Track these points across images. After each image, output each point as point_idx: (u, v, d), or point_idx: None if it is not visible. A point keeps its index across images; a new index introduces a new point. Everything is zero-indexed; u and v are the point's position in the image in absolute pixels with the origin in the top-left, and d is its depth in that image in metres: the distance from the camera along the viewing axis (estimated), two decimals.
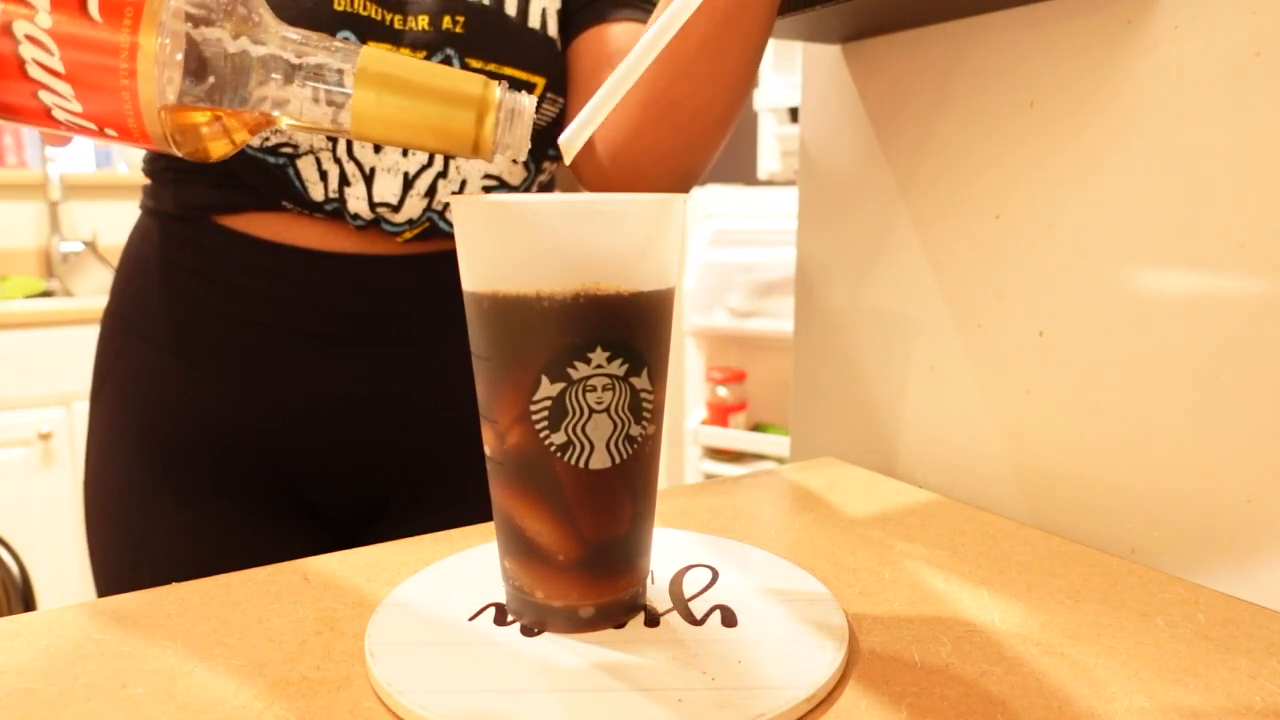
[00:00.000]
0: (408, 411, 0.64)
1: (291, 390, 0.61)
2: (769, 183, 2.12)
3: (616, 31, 0.62)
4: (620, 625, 0.37)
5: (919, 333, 0.60)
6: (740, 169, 2.27)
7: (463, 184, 0.60)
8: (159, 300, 0.62)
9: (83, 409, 1.84)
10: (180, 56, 0.31)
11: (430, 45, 0.57)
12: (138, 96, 0.31)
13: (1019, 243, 0.53)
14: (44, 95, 0.31)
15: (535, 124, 0.62)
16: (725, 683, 0.32)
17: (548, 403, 0.33)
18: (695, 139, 0.55)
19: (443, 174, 0.59)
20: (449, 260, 0.63)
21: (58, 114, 0.31)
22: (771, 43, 1.92)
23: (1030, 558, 0.45)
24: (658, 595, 0.39)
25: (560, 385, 0.33)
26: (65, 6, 0.30)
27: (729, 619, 0.37)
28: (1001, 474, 0.54)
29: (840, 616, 0.37)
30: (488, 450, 0.36)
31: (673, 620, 0.37)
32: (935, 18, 0.56)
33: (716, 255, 1.99)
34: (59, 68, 0.30)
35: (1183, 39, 0.44)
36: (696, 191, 2.06)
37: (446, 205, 0.61)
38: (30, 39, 0.30)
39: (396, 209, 0.59)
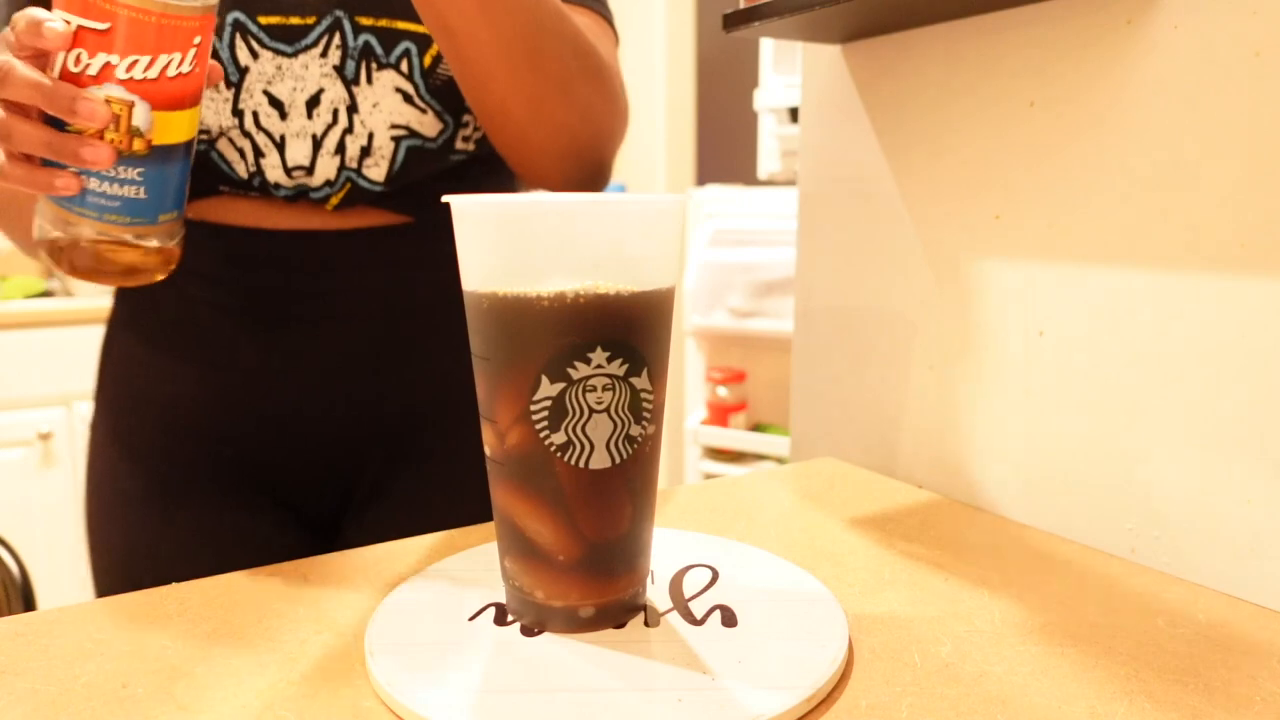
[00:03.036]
0: (356, 390, 0.64)
1: (238, 369, 0.63)
2: (769, 183, 2.12)
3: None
4: (620, 625, 0.37)
5: (919, 333, 0.60)
6: (740, 169, 2.27)
7: (370, 137, 0.60)
8: (132, 291, 0.65)
9: (82, 409, 1.84)
10: None
11: (319, 9, 0.57)
12: None
13: (1019, 243, 0.53)
14: None
15: (441, 75, 0.60)
16: (725, 683, 0.32)
17: (548, 403, 0.33)
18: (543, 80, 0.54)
19: (349, 129, 0.60)
20: (386, 236, 0.63)
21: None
22: (771, 42, 1.91)
23: (1030, 558, 0.45)
24: (658, 595, 0.39)
25: (560, 385, 0.33)
26: None
27: (729, 619, 0.37)
28: (1001, 474, 0.54)
29: (840, 616, 0.37)
30: (488, 450, 0.36)
31: (673, 620, 0.37)
32: (935, 18, 0.56)
33: (716, 255, 1.99)
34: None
35: (1183, 39, 0.44)
36: (696, 192, 2.06)
37: (361, 163, 0.60)
38: None
39: (310, 171, 0.60)
